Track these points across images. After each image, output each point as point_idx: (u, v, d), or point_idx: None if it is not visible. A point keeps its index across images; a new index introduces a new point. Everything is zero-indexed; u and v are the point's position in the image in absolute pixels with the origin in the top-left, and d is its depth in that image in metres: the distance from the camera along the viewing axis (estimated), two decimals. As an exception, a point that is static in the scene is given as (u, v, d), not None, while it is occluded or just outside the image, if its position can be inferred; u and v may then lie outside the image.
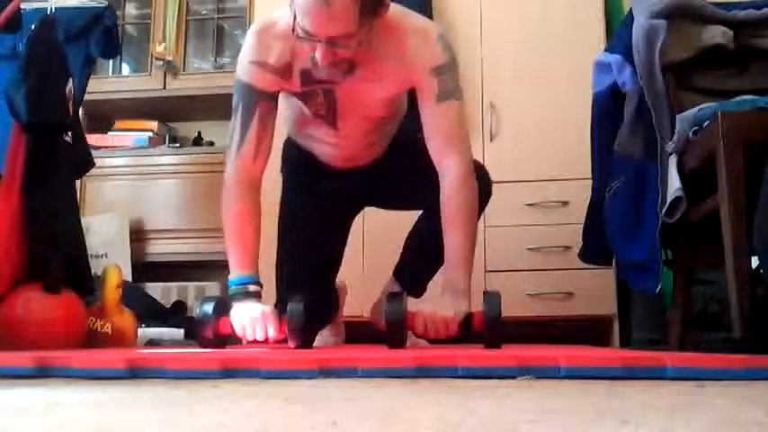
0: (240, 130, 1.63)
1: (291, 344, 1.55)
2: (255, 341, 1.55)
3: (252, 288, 1.61)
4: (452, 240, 1.62)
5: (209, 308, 1.59)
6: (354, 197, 1.99)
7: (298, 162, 1.93)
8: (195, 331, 1.59)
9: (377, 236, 2.66)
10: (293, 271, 1.90)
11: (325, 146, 1.83)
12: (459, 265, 1.61)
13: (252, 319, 1.53)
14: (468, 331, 1.57)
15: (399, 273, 1.99)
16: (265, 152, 1.65)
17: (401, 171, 1.87)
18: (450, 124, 1.65)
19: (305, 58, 1.58)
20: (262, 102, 1.63)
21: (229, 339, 1.67)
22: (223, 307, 1.62)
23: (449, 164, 1.65)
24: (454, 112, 1.65)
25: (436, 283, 1.81)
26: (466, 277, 1.61)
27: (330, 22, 1.42)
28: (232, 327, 1.58)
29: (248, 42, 1.65)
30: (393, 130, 1.89)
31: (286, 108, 1.82)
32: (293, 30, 1.48)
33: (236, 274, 1.62)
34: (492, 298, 1.57)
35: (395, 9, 1.61)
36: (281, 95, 1.72)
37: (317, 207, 1.91)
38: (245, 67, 1.64)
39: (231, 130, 1.65)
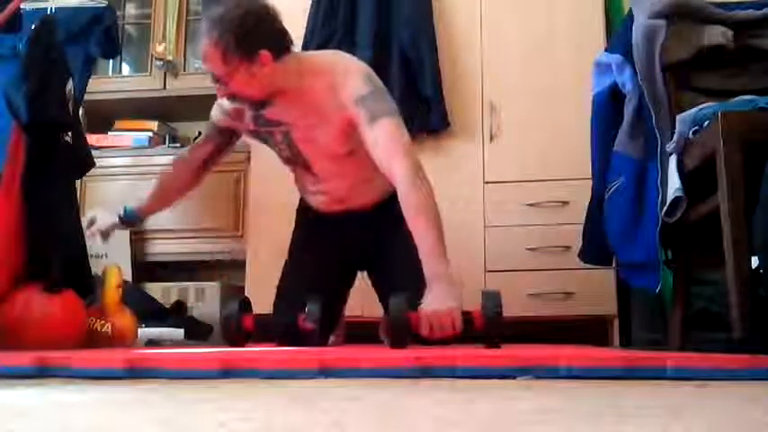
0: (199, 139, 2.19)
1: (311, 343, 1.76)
2: None
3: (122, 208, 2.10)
4: (421, 237, 1.66)
5: (234, 306, 1.85)
6: (352, 245, 2.06)
7: (305, 209, 2.18)
8: (223, 328, 1.87)
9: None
10: (281, 292, 2.08)
11: (316, 194, 2.06)
12: (436, 257, 1.63)
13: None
14: (468, 331, 1.57)
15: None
16: (195, 157, 2.14)
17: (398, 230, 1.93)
18: (388, 138, 1.75)
19: None
20: (212, 129, 2.12)
21: (252, 336, 1.90)
22: (246, 306, 1.91)
23: (397, 169, 1.72)
24: (388, 128, 1.76)
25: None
26: (446, 264, 1.63)
27: (203, 60, 1.80)
28: (254, 324, 1.87)
29: None
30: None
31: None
32: None
33: None
34: (491, 297, 1.57)
35: (317, 53, 2.07)
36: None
37: (314, 242, 2.10)
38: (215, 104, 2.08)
39: None
